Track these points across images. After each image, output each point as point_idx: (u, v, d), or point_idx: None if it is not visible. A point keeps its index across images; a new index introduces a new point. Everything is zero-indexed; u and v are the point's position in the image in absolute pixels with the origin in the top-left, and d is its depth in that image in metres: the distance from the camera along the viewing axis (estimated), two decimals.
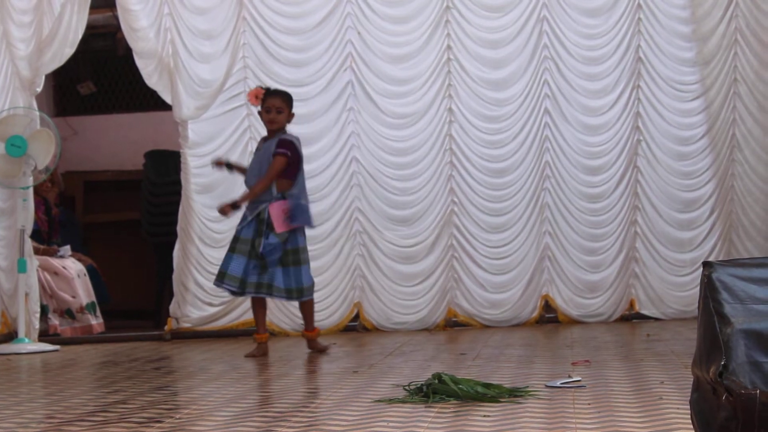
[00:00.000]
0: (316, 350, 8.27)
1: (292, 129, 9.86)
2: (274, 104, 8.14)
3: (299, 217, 8.12)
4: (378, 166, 9.89)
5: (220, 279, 8.13)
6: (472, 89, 9.89)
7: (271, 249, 8.01)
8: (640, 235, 9.96)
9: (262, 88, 8.29)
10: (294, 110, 9.86)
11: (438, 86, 9.90)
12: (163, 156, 11.82)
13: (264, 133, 9.80)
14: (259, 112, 8.29)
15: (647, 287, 9.95)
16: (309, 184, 9.78)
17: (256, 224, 8.06)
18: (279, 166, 8.04)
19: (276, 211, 8.03)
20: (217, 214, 9.74)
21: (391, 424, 4.95)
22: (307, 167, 9.80)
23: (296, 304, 8.65)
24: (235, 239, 8.12)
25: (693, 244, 9.96)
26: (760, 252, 9.72)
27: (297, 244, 8.14)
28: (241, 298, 9.82)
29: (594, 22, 9.89)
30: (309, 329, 8.34)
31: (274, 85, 9.76)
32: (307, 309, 8.33)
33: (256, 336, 8.30)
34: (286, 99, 8.22)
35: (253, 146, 9.82)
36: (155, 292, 11.68)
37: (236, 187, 9.80)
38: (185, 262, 9.75)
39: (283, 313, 9.81)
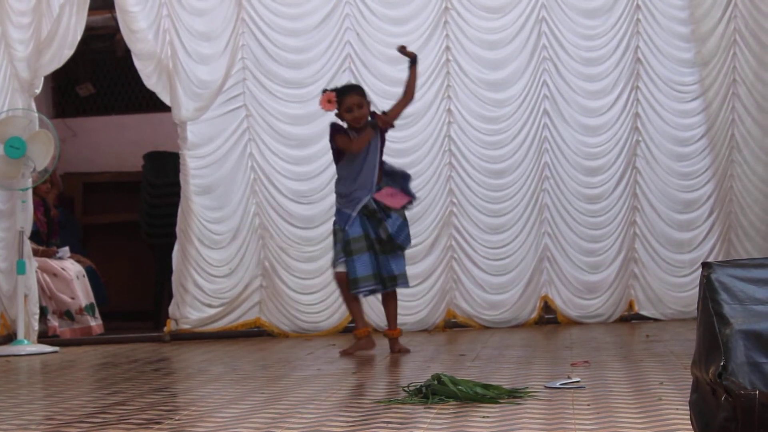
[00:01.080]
0: (399, 350, 8.08)
1: (291, 130, 9.90)
2: (355, 102, 7.96)
3: (408, 191, 8.04)
4: None
5: (355, 286, 7.94)
6: (471, 90, 9.90)
7: (399, 226, 7.91)
8: (639, 235, 9.96)
9: (331, 90, 8.06)
10: (292, 111, 9.89)
11: (437, 87, 9.90)
12: (162, 157, 11.82)
13: (264, 135, 9.84)
14: (337, 114, 8.04)
15: (646, 288, 9.95)
16: (308, 185, 9.83)
17: (364, 219, 7.92)
18: (366, 136, 7.90)
19: (384, 196, 7.95)
20: (216, 214, 9.77)
21: (390, 425, 4.95)
22: (307, 168, 9.84)
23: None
24: (347, 242, 7.92)
25: (692, 244, 9.97)
26: (759, 252, 9.72)
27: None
28: (240, 299, 9.83)
29: (593, 23, 9.90)
30: (392, 328, 8.21)
31: (272, 86, 9.79)
32: (394, 303, 8.19)
33: (356, 332, 8.11)
34: (361, 91, 8.10)
35: (252, 148, 9.83)
36: (154, 293, 11.68)
37: (236, 189, 9.82)
38: (184, 263, 9.75)
39: (282, 314, 9.81)
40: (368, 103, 8.08)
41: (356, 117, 7.97)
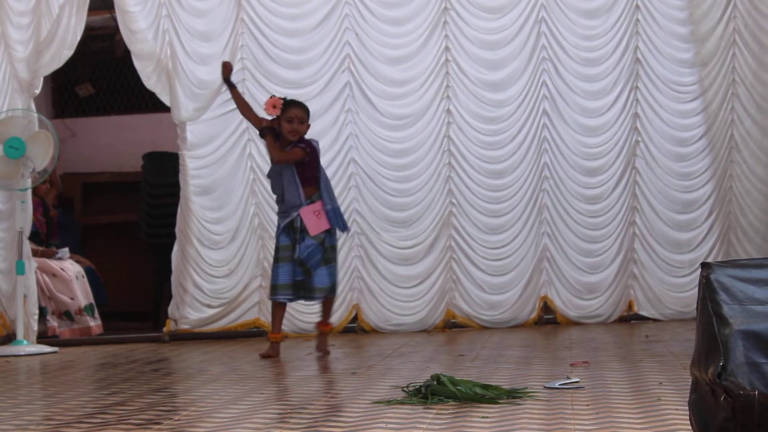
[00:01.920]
0: (322, 349, 8.22)
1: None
2: (297, 115, 8.06)
3: (334, 220, 8.12)
4: (376, 167, 9.89)
5: (274, 292, 8.12)
6: (471, 90, 9.90)
7: (309, 252, 8.01)
8: (639, 236, 9.96)
9: (279, 98, 8.18)
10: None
11: (436, 87, 9.90)
12: (162, 157, 11.82)
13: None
14: (273, 120, 8.10)
15: (646, 288, 9.95)
16: None
17: (291, 232, 8.06)
18: (294, 155, 8.00)
19: (307, 215, 8.02)
20: (215, 215, 9.77)
21: (389, 426, 4.95)
22: None
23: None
24: (277, 249, 8.12)
25: (691, 245, 9.97)
26: (758, 253, 9.72)
27: (333, 242, 8.18)
28: (240, 299, 9.84)
29: (592, 24, 9.90)
30: (326, 324, 8.35)
31: (272, 86, 9.79)
32: (330, 304, 8.34)
33: (271, 335, 8.26)
34: (307, 111, 8.18)
35: (251, 148, 9.83)
36: (153, 293, 11.68)
37: (235, 189, 9.82)
38: (184, 263, 9.76)
39: None
40: (308, 124, 8.14)
41: (294, 129, 8.05)
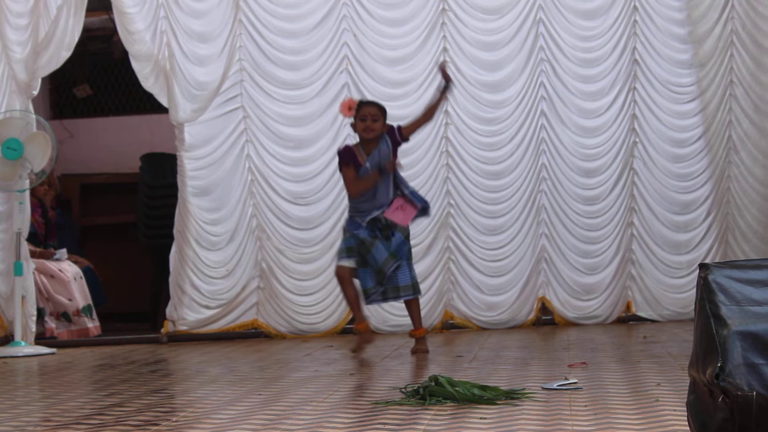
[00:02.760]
0: (422, 351, 8.10)
1: (288, 131, 9.90)
2: (371, 112, 8.03)
3: (417, 201, 8.11)
4: None
5: (368, 298, 8.09)
6: (469, 91, 9.90)
7: (399, 244, 8.00)
8: (637, 237, 9.96)
9: (354, 99, 8.24)
10: (289, 112, 9.89)
11: (434, 89, 9.88)
12: (160, 159, 11.81)
13: (262, 136, 9.84)
14: (352, 124, 8.15)
15: (644, 289, 9.95)
16: (305, 187, 9.83)
17: (372, 229, 8.00)
18: (418, 120, 8.13)
19: (393, 214, 8.01)
20: (213, 216, 9.77)
21: (387, 427, 4.95)
22: (304, 170, 9.85)
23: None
24: (361, 242, 7.98)
25: (689, 246, 9.97)
26: (756, 254, 9.72)
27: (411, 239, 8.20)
28: (238, 300, 9.83)
29: (590, 24, 9.90)
30: (417, 327, 8.25)
31: (270, 87, 9.79)
32: (414, 307, 8.25)
33: (357, 326, 8.19)
34: (382, 108, 8.13)
35: (249, 149, 9.82)
36: (151, 294, 11.68)
37: (233, 190, 9.82)
38: (182, 264, 9.75)
39: (279, 315, 9.81)
40: (384, 122, 8.07)
41: (368, 127, 8.02)
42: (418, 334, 8.19)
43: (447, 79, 8.21)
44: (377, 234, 8.01)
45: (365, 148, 8.09)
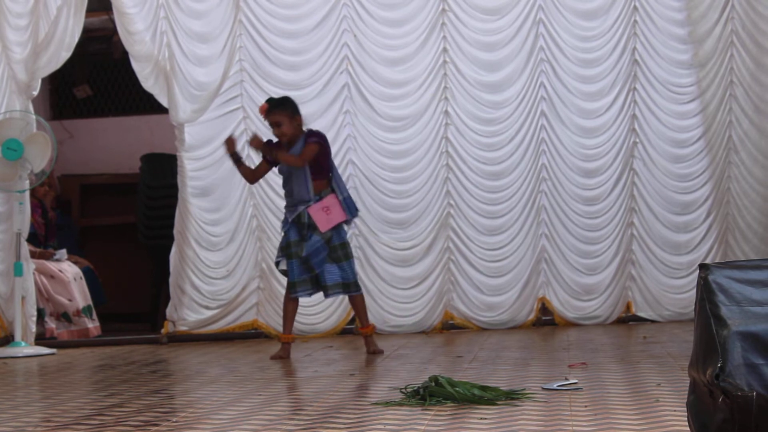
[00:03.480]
0: (372, 351, 8.16)
1: None
2: (274, 120, 8.05)
3: (348, 210, 8.13)
4: (374, 168, 9.89)
5: (293, 289, 8.07)
6: (468, 92, 9.90)
7: (314, 250, 8.01)
8: (637, 237, 9.96)
9: (264, 103, 8.20)
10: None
11: (434, 89, 9.90)
12: (160, 159, 11.81)
13: (264, 138, 9.84)
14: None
15: (644, 289, 9.95)
16: None
17: (297, 228, 8.05)
18: (311, 151, 8.00)
19: (317, 213, 8.02)
20: (213, 216, 9.77)
21: (388, 427, 4.95)
22: None
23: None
24: (288, 245, 8.06)
25: (689, 246, 9.96)
26: (756, 254, 9.71)
27: (343, 239, 8.17)
28: (238, 300, 9.83)
29: (590, 25, 9.90)
30: (364, 326, 8.28)
31: (270, 87, 9.79)
32: (359, 303, 8.28)
33: (282, 336, 8.26)
34: (284, 109, 8.06)
35: (249, 149, 9.82)
36: (151, 295, 11.68)
37: (234, 190, 9.82)
38: (182, 265, 9.75)
39: (280, 316, 9.80)
40: (295, 119, 8.06)
41: (277, 134, 8.09)
42: (364, 331, 8.25)
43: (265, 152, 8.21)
44: (302, 233, 8.03)
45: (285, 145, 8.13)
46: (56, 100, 12.94)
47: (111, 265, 11.83)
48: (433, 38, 9.88)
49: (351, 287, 8.19)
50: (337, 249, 8.11)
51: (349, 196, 8.27)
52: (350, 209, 8.18)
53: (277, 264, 8.29)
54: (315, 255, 8.01)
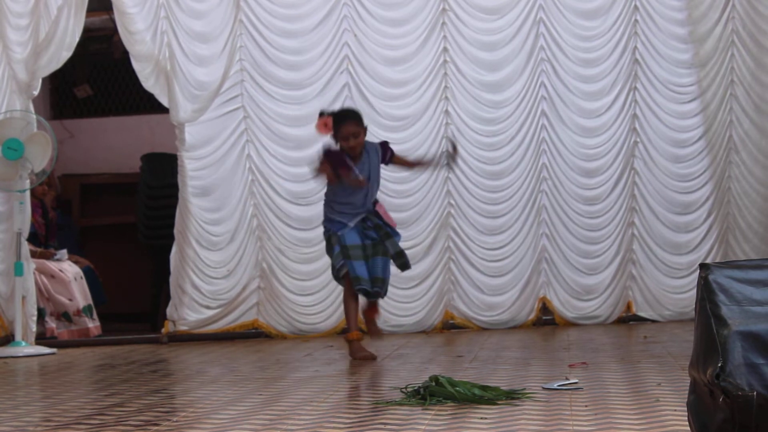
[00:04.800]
0: (376, 333, 8.17)
1: (289, 131, 9.90)
2: (351, 131, 7.78)
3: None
4: None
5: (357, 283, 7.82)
6: (469, 91, 9.89)
7: (397, 246, 8.00)
8: (637, 237, 9.96)
9: (327, 115, 7.87)
10: (289, 112, 9.88)
11: (434, 89, 9.90)
12: (160, 159, 11.82)
13: (262, 136, 9.84)
14: (333, 137, 7.90)
15: (644, 289, 9.95)
16: (305, 187, 9.83)
17: (366, 231, 7.89)
18: (406, 162, 8.12)
19: (383, 210, 8.00)
20: (213, 216, 9.77)
21: (388, 427, 4.95)
22: (304, 170, 9.82)
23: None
24: (345, 247, 7.82)
25: (690, 246, 9.96)
26: (756, 254, 9.71)
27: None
28: (239, 300, 9.83)
29: (590, 24, 9.90)
30: (376, 310, 8.19)
31: (270, 87, 9.79)
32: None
33: (350, 335, 7.98)
34: (359, 120, 7.87)
35: (250, 149, 9.83)
36: (152, 295, 11.68)
37: (234, 190, 9.82)
38: (182, 264, 9.75)
39: (280, 315, 9.81)
40: (365, 129, 7.90)
41: (352, 146, 7.82)
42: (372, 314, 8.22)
43: (454, 154, 8.19)
44: (365, 238, 7.93)
45: (351, 156, 7.90)
46: (57, 99, 12.94)
47: (111, 265, 11.83)
48: (434, 38, 9.88)
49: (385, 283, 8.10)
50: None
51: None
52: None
53: (340, 269, 7.91)
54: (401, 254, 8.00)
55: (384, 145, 8.06)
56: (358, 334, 7.96)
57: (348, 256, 7.82)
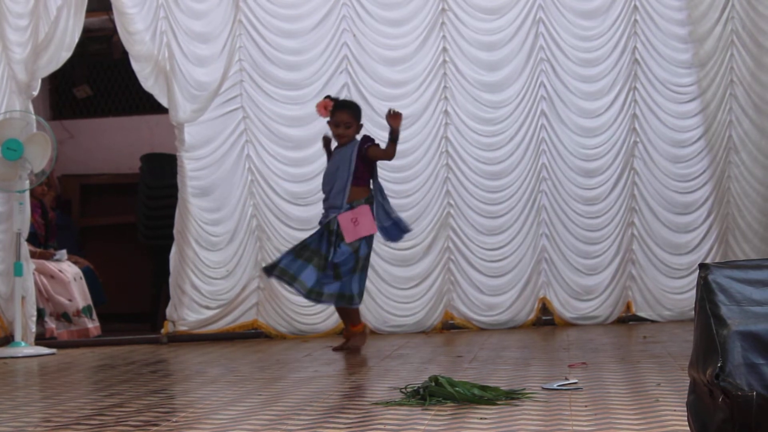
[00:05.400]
0: (350, 347, 8.26)
1: (288, 131, 9.90)
2: (343, 119, 8.26)
3: (393, 233, 8.33)
4: None
5: (275, 272, 8.19)
6: (468, 91, 9.89)
7: (344, 259, 8.10)
8: (637, 237, 9.96)
9: (330, 99, 8.35)
10: (289, 113, 9.88)
11: (434, 89, 9.90)
12: (160, 159, 11.81)
13: (262, 137, 9.85)
14: (328, 122, 8.37)
15: (644, 289, 9.95)
16: (305, 187, 9.82)
17: (326, 234, 8.12)
18: (382, 151, 8.22)
19: (345, 221, 8.08)
20: (213, 216, 9.77)
21: (387, 427, 4.95)
22: (304, 170, 9.85)
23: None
24: (304, 247, 8.19)
25: (690, 246, 9.96)
26: (756, 254, 9.71)
27: (368, 251, 8.26)
28: (238, 300, 9.83)
29: (590, 24, 9.90)
30: (355, 324, 8.36)
31: (270, 87, 9.79)
32: (347, 313, 8.37)
33: (352, 328, 8.35)
34: (354, 113, 8.34)
35: (249, 149, 9.83)
36: (151, 295, 11.68)
37: (234, 190, 9.82)
38: (182, 265, 9.75)
39: (279, 316, 9.81)
40: (358, 125, 8.34)
41: (339, 134, 8.30)
42: (356, 329, 8.34)
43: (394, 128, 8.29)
44: (322, 245, 8.07)
45: (338, 146, 8.37)
46: (56, 100, 12.94)
47: (111, 265, 11.83)
48: (433, 38, 9.88)
49: (355, 299, 8.24)
50: (361, 260, 8.17)
51: (399, 219, 8.41)
52: (390, 233, 8.28)
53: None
54: (344, 264, 8.11)
55: (365, 137, 8.34)
56: (362, 326, 8.38)
57: (299, 255, 8.16)
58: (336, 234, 8.13)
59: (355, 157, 8.20)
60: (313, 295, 8.19)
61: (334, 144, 8.43)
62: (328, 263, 8.09)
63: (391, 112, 8.24)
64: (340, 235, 8.11)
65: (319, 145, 9.74)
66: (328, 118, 8.34)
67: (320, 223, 8.34)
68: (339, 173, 8.22)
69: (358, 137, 8.36)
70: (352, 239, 8.11)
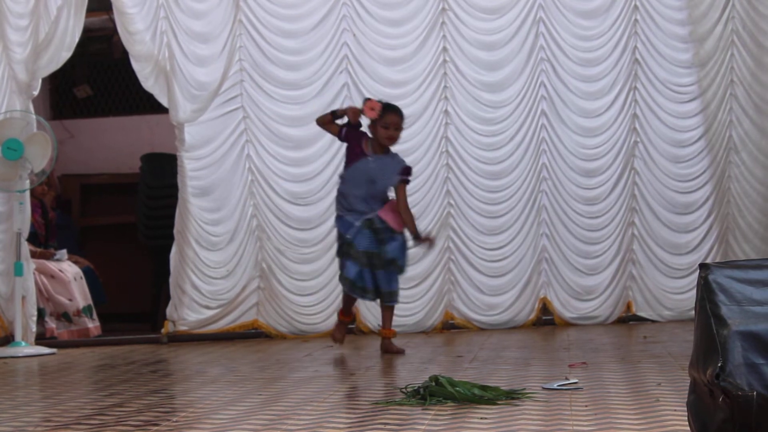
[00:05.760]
0: (390, 350, 8.20)
1: (288, 131, 9.90)
2: (394, 121, 8.11)
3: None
4: None
5: (352, 289, 8.11)
6: (468, 91, 9.89)
7: (399, 252, 8.08)
8: (637, 237, 9.96)
9: (377, 101, 8.19)
10: (289, 113, 9.89)
11: (434, 88, 9.90)
12: (160, 159, 11.82)
13: (262, 137, 9.83)
14: (371, 126, 8.18)
15: (644, 289, 9.95)
16: (305, 187, 9.83)
17: (371, 234, 8.05)
18: (406, 195, 8.13)
19: (386, 213, 8.04)
20: (213, 216, 9.78)
21: (387, 427, 4.95)
22: (304, 170, 9.85)
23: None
24: (349, 245, 8.08)
25: (690, 246, 9.96)
26: (756, 254, 9.71)
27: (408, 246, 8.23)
28: (238, 300, 9.84)
29: (590, 24, 9.90)
30: (387, 328, 8.31)
31: (270, 87, 9.79)
32: (390, 312, 8.31)
33: (342, 316, 8.39)
34: (402, 118, 8.22)
35: (249, 149, 9.82)
36: (152, 295, 11.68)
37: (234, 190, 9.82)
38: (182, 265, 9.75)
39: (280, 315, 9.81)
40: (401, 131, 8.26)
41: (389, 136, 8.13)
42: (386, 334, 8.27)
43: (429, 244, 8.31)
44: (373, 245, 8.03)
45: (374, 146, 8.17)
46: (56, 99, 12.94)
47: (111, 265, 11.83)
48: (433, 38, 9.88)
49: (394, 296, 8.26)
50: (407, 254, 8.19)
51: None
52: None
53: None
54: (401, 257, 8.08)
55: (407, 167, 8.23)
56: (345, 316, 8.38)
57: (348, 255, 8.05)
58: (384, 230, 8.03)
59: (397, 180, 8.11)
60: (390, 296, 8.17)
61: (342, 121, 8.28)
62: (385, 261, 8.05)
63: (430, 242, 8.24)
64: (389, 230, 8.04)
65: (320, 144, 9.79)
66: (369, 120, 8.15)
67: (349, 224, 8.12)
68: (377, 185, 8.08)
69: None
70: (400, 228, 8.08)
